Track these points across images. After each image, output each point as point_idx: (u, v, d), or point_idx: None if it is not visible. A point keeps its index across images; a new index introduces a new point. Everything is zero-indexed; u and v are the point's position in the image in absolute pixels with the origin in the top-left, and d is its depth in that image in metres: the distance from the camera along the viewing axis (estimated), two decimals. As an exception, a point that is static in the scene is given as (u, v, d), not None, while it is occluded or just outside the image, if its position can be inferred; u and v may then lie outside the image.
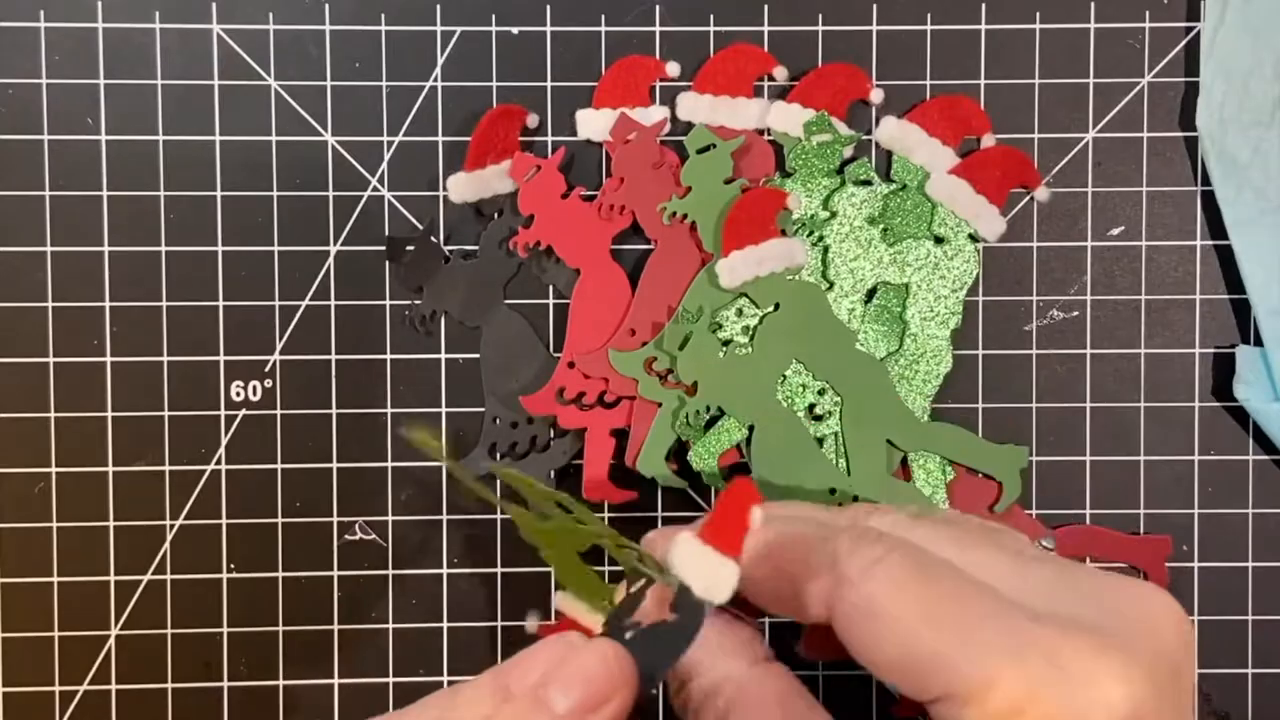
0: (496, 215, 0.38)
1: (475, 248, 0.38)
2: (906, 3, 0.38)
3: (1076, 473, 0.38)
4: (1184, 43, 0.38)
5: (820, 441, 0.37)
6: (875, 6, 0.38)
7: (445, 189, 0.38)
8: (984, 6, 0.38)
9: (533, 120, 0.38)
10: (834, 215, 0.37)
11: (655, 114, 0.38)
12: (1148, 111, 0.38)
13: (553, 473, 0.38)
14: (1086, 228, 0.38)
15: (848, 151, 0.38)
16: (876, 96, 0.38)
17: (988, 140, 0.38)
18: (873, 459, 0.37)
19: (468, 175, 0.38)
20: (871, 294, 0.38)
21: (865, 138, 0.38)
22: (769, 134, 0.38)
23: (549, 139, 0.38)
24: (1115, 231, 0.38)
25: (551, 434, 0.38)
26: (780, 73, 0.38)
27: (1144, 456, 0.38)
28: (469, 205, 0.38)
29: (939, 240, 0.38)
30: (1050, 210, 0.38)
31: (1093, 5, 0.38)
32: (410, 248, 0.38)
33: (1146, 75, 0.38)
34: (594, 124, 0.38)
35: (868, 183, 0.38)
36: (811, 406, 0.37)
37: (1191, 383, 0.38)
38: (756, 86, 0.38)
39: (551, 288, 0.38)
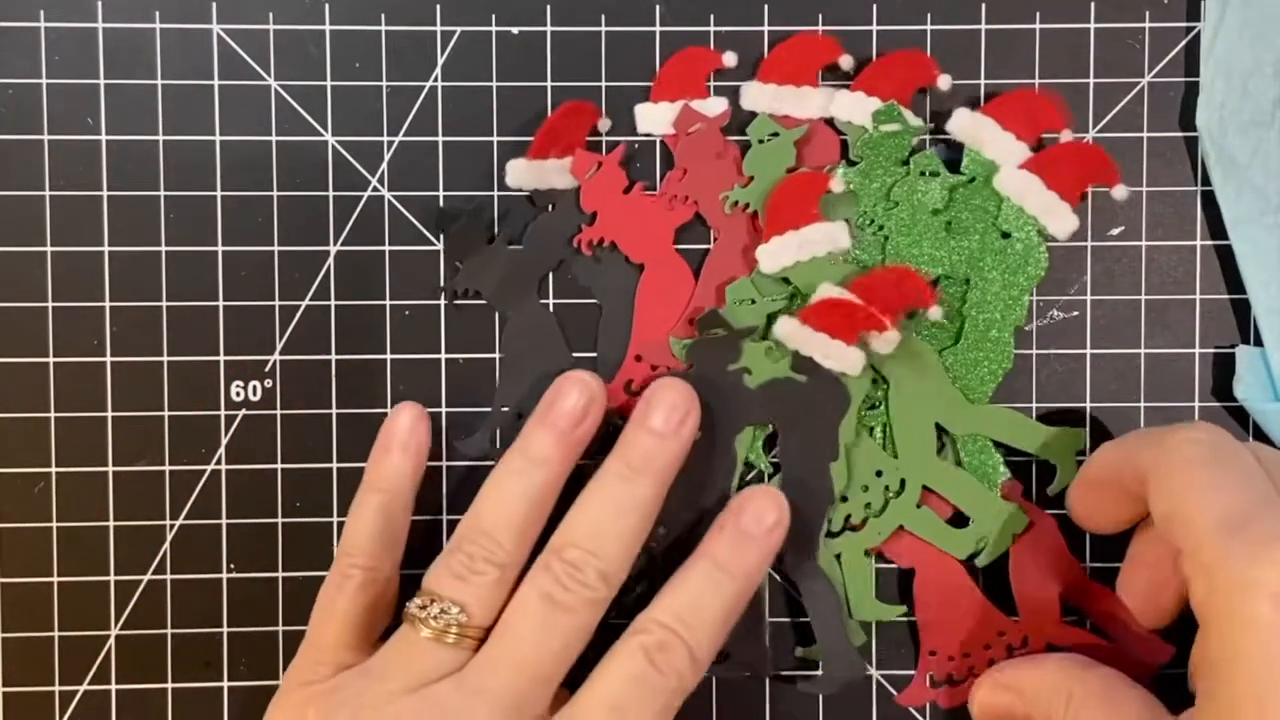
0: (550, 208, 0.38)
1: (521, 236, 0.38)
2: (906, 3, 0.38)
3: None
4: (1184, 43, 0.38)
5: (870, 431, 0.37)
6: (875, 6, 0.38)
7: (504, 172, 0.38)
8: (984, 6, 0.38)
9: (604, 124, 0.38)
10: (897, 205, 0.37)
11: (715, 105, 0.38)
12: (1148, 111, 0.38)
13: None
14: (1086, 228, 0.38)
15: (915, 141, 0.37)
16: (944, 83, 0.37)
17: (1066, 136, 0.37)
18: (921, 442, 0.37)
19: (528, 163, 0.37)
20: (933, 285, 0.37)
21: (935, 136, 0.38)
22: (835, 124, 0.38)
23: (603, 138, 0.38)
24: (1115, 231, 0.38)
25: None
26: (846, 62, 0.37)
27: (1144, 456, 0.38)
28: (523, 194, 0.38)
29: (1005, 236, 0.37)
30: (1050, 210, 0.38)
31: (1093, 5, 0.38)
32: (460, 221, 0.37)
33: (1146, 75, 0.38)
34: (654, 118, 0.38)
35: (934, 174, 0.37)
36: (872, 407, 0.37)
37: (1191, 383, 0.38)
38: (821, 76, 0.38)
39: (588, 289, 0.38)
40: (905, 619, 0.38)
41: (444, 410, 0.38)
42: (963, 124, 0.37)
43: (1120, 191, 0.37)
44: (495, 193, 0.38)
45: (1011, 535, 0.37)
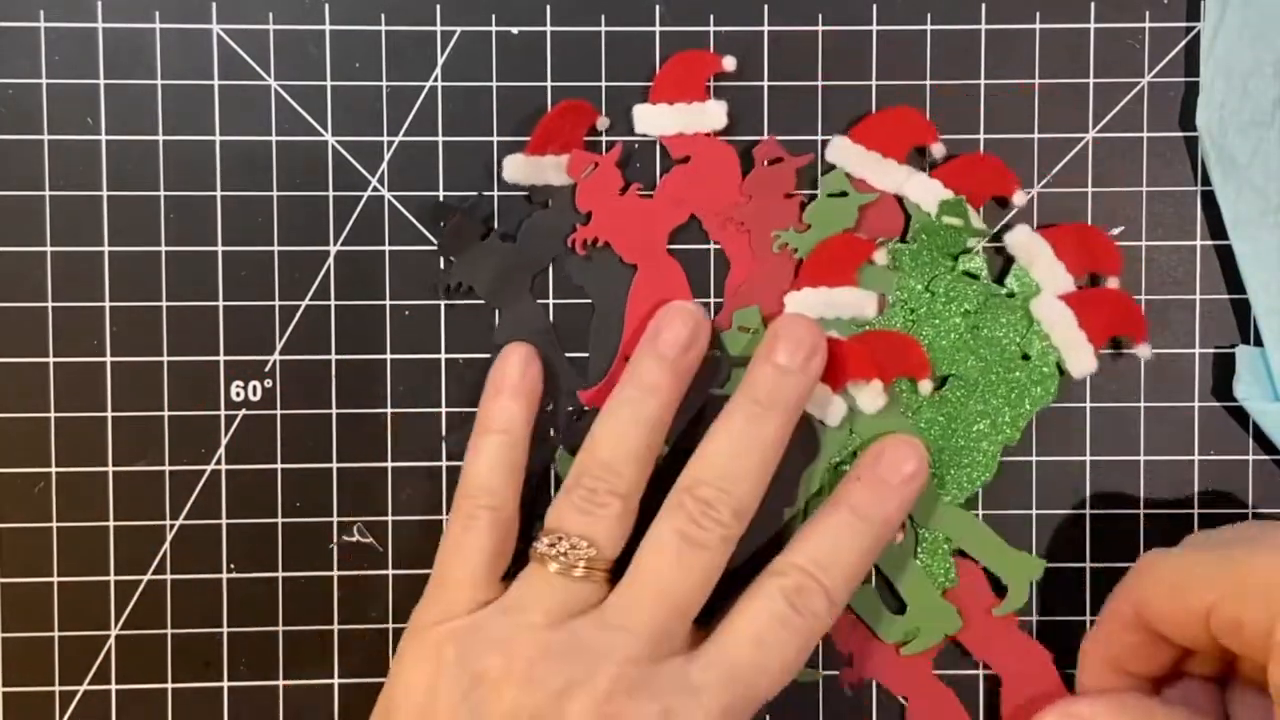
0: (545, 205, 0.38)
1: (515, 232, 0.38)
2: (906, 3, 0.38)
3: (1076, 473, 0.38)
4: (1184, 43, 0.38)
5: None
6: (875, 6, 0.38)
7: (500, 169, 0.38)
8: (984, 6, 0.38)
9: (603, 123, 0.38)
10: (933, 296, 0.37)
11: (714, 109, 0.38)
12: (1148, 111, 0.38)
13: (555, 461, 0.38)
14: (1086, 228, 0.38)
15: (972, 242, 0.37)
16: (1019, 199, 0.37)
17: (1112, 282, 0.37)
18: None
19: (525, 158, 0.37)
20: (942, 384, 0.37)
21: (993, 243, 0.38)
22: (904, 203, 0.38)
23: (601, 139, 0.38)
24: (1115, 231, 0.38)
25: (550, 432, 0.38)
26: (938, 150, 0.37)
27: (1144, 456, 0.38)
28: (519, 190, 0.38)
29: (1025, 357, 0.37)
30: (1051, 211, 0.38)
31: (1093, 5, 0.38)
32: (454, 217, 0.37)
33: (1146, 75, 0.38)
34: (652, 119, 0.38)
35: (976, 277, 0.37)
36: (839, 464, 0.37)
37: (1191, 383, 0.38)
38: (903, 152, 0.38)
39: (580, 289, 0.38)
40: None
41: (444, 410, 0.38)
42: (1020, 240, 0.37)
43: (1145, 350, 0.37)
44: (495, 193, 0.38)
45: (942, 634, 0.37)
